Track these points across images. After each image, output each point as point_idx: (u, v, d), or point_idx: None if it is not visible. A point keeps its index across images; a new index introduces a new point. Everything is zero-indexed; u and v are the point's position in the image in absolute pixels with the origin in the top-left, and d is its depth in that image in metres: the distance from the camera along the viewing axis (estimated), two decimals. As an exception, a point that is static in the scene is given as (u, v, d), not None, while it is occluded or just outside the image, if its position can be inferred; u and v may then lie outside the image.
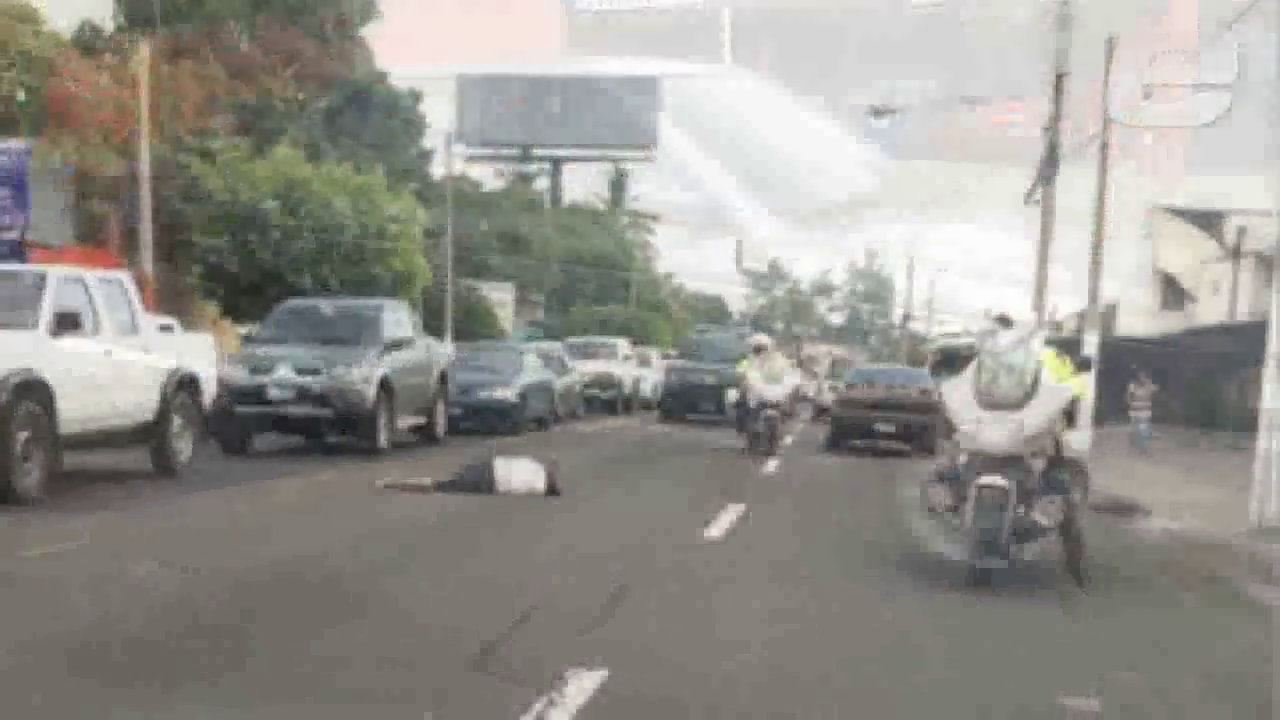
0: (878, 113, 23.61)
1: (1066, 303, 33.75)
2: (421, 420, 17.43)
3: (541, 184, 69.71)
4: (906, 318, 64.14)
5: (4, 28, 23.47)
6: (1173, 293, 44.23)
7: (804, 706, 5.08)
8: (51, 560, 7.58)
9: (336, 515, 10.48)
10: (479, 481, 11.91)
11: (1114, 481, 15.74)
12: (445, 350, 19.64)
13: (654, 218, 75.94)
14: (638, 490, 13.49)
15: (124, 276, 12.64)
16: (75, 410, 10.73)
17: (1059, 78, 22.59)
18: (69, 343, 10.82)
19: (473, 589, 7.37)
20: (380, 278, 27.20)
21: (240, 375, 15.15)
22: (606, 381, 30.89)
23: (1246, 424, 15.93)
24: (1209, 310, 39.83)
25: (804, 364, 48.75)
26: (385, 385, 15.56)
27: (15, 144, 18.97)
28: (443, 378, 18.03)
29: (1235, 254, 38.91)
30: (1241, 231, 38.56)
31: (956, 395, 8.53)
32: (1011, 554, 8.69)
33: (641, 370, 33.75)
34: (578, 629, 6.26)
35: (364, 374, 15.24)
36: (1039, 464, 8.32)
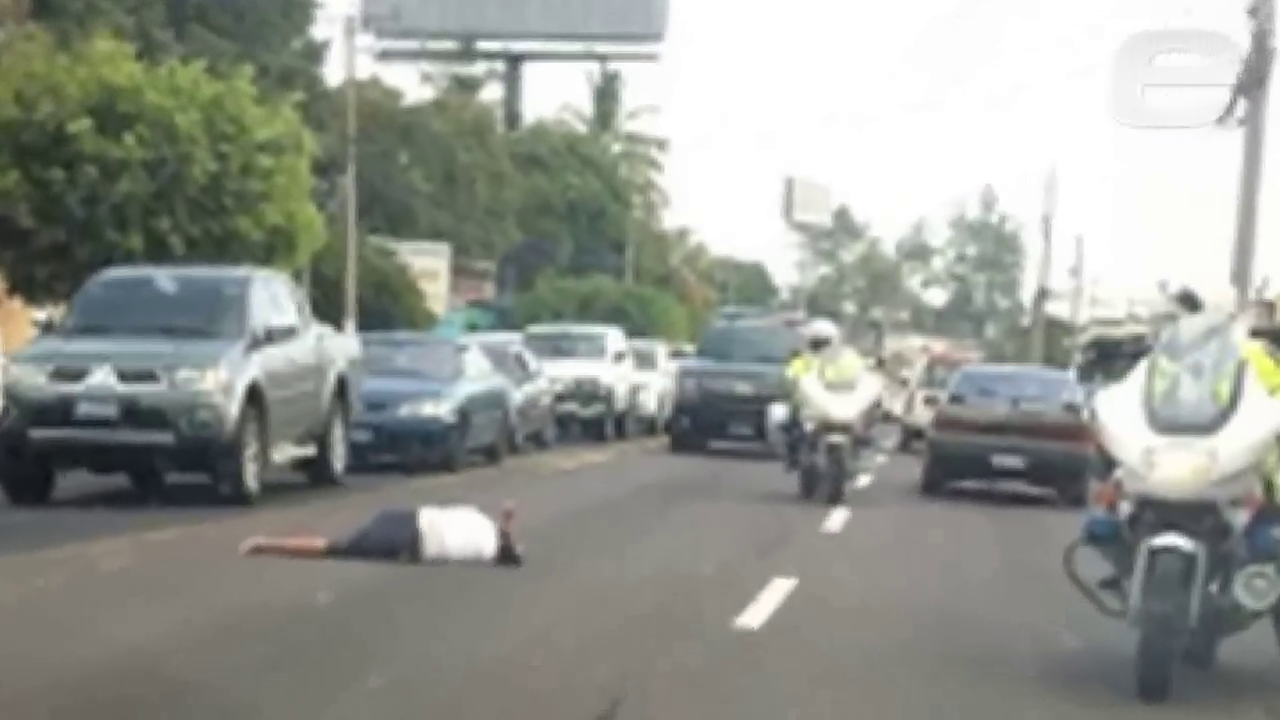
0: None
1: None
2: (310, 451, 17.42)
3: (492, 93, 69.66)
4: (1042, 294, 64.14)
5: None
6: None
7: None
8: None
9: (182, 594, 10.45)
10: (396, 543, 11.88)
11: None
12: (346, 345, 19.61)
13: (661, 144, 75.82)
14: (637, 556, 13.47)
15: None
16: None
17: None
18: None
19: (386, 708, 7.35)
20: (247, 235, 27.14)
21: (37, 383, 15.12)
22: (589, 392, 30.87)
23: None
24: None
25: (887, 365, 48.81)
26: (254, 397, 15.54)
27: None
28: (342, 386, 18.03)
29: None
30: None
31: (1118, 412, 8.52)
32: (1201, 650, 8.68)
33: (642, 375, 33.74)
34: (545, 766, 6.26)
35: (222, 380, 15.21)
36: (1241, 516, 8.31)
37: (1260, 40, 22.79)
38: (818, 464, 18.79)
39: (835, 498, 18.41)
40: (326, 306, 30.54)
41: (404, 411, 20.91)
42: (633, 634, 9.58)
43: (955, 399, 22.74)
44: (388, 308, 39.81)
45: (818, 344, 19.56)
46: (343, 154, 37.45)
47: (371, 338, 23.75)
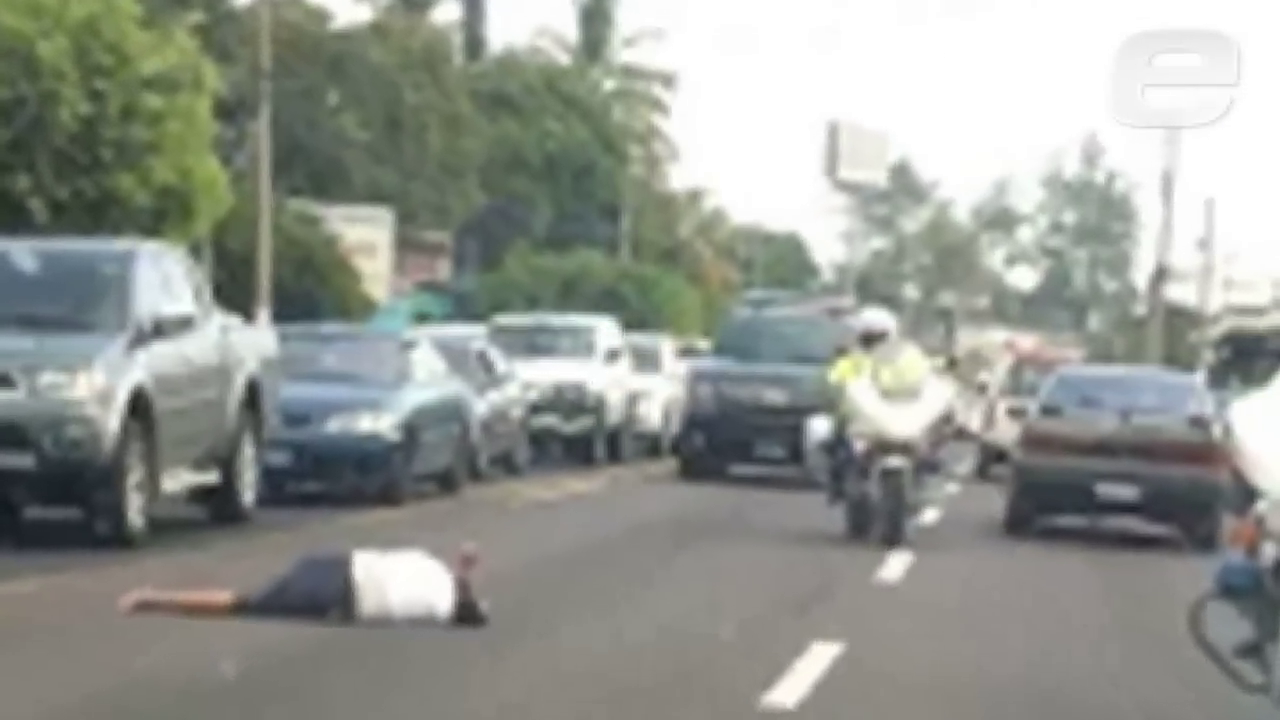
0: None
1: None
2: (211, 477, 17.49)
3: (447, 14, 69.63)
4: (1161, 275, 64.16)
5: None
6: None
7: None
8: None
9: (45, 664, 10.48)
10: (323, 597, 11.89)
11: None
12: (259, 340, 19.64)
13: (667, 80, 75.79)
14: (635, 614, 13.52)
15: None
16: None
17: None
18: None
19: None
20: (130, 198, 27.18)
21: None
22: (574, 401, 30.92)
23: None
24: None
25: (960, 366, 48.84)
26: (139, 408, 15.59)
27: None
28: (253, 393, 18.10)
29: None
30: None
31: (1260, 427, 8.57)
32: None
33: (642, 379, 33.82)
34: None
35: (97, 386, 15.26)
36: None
37: None
38: (870, 495, 18.81)
39: (893, 539, 18.44)
40: (233, 290, 30.56)
41: (333, 427, 20.95)
42: (629, 715, 9.59)
43: (1049, 410, 22.74)
44: (312, 291, 39.82)
45: (870, 339, 19.59)
46: (254, 92, 37.41)
47: (292, 331, 23.78)
